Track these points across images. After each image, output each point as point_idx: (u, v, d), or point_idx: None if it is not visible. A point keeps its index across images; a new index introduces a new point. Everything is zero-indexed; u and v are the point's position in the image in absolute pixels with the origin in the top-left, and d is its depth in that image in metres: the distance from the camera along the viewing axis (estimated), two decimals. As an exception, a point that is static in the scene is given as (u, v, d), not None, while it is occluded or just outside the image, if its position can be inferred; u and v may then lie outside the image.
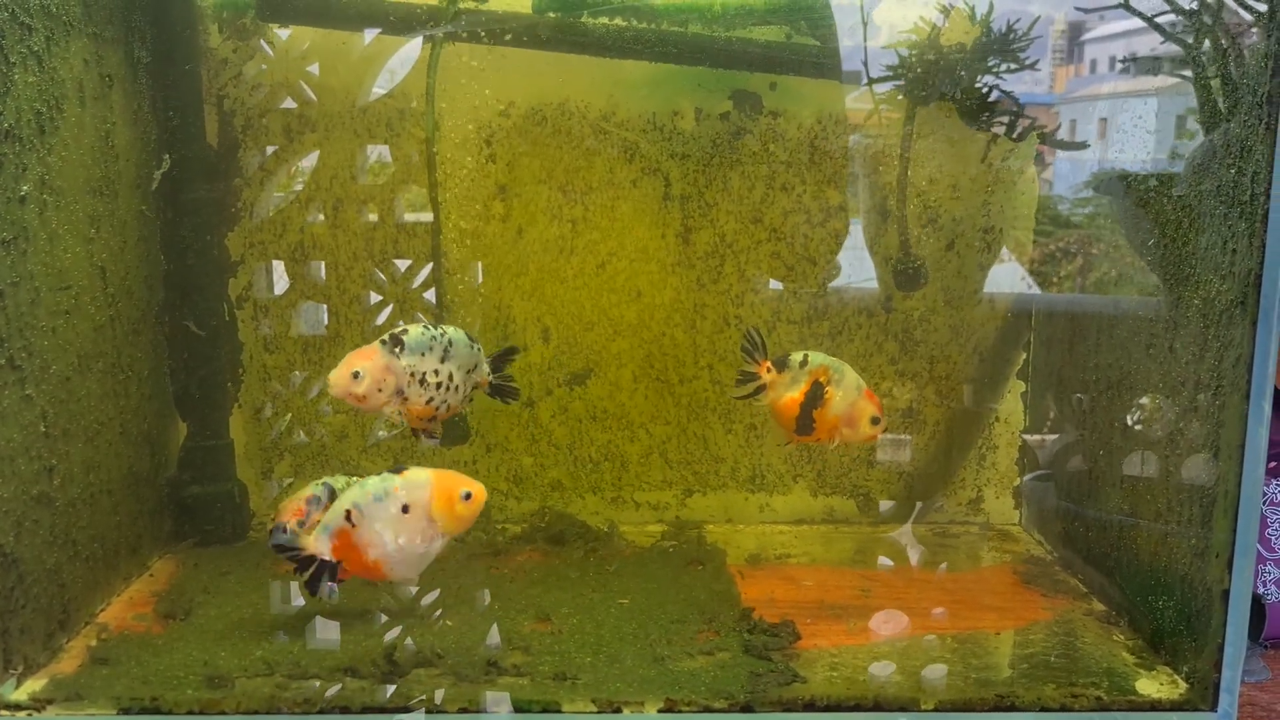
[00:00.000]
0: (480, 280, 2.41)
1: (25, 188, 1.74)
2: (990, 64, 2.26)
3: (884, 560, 2.36)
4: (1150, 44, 2.10)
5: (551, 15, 2.25)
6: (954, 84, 2.26)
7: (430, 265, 2.38)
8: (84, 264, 1.94)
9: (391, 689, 1.72)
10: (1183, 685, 1.79)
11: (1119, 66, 2.28)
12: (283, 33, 2.30)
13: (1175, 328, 1.87)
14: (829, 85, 2.34)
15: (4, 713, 1.66)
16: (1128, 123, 2.22)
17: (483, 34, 2.23)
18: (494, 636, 1.91)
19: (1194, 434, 1.80)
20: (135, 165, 2.15)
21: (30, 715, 1.66)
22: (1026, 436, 2.53)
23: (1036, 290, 2.49)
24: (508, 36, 2.23)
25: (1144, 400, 1.99)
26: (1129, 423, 2.05)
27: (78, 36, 1.91)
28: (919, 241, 2.40)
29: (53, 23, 1.82)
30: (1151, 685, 1.79)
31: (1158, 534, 1.92)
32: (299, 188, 2.36)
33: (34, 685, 1.72)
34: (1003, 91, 2.26)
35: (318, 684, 1.73)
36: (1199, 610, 1.77)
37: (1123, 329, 2.07)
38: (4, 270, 1.69)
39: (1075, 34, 2.42)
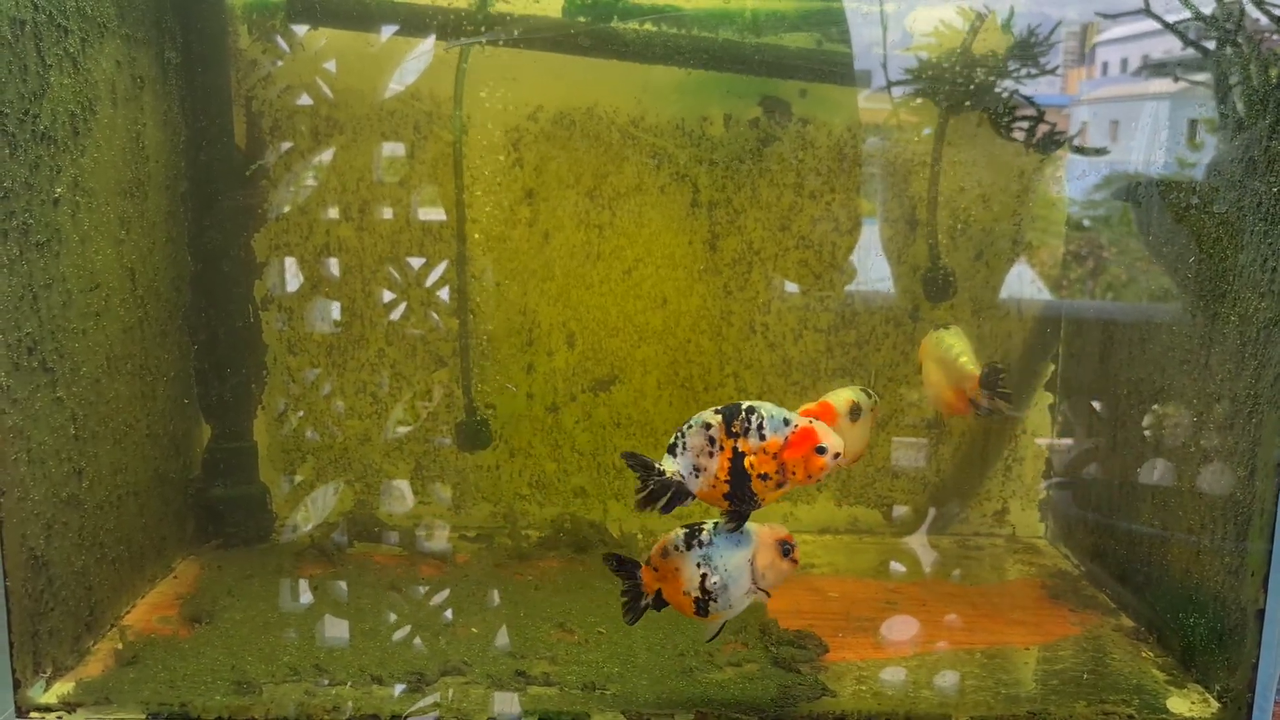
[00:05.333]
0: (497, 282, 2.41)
1: (59, 189, 1.74)
2: (1020, 70, 2.25)
3: (895, 566, 2.35)
4: (1162, 48, 2.08)
5: (581, 20, 2.25)
6: (986, 92, 2.25)
7: (445, 263, 2.38)
8: (114, 266, 1.94)
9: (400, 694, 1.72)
10: (1214, 704, 1.77)
11: (1132, 70, 2.26)
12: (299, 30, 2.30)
13: (1210, 343, 1.85)
14: (859, 93, 2.33)
15: (34, 715, 1.66)
16: (1147, 127, 2.21)
17: (513, 38, 2.23)
18: (502, 638, 1.92)
19: (1229, 450, 1.79)
20: (164, 167, 2.15)
21: (60, 718, 1.66)
22: (1039, 441, 2.52)
23: (1048, 295, 2.47)
24: (520, 40, 2.22)
25: (1178, 415, 1.97)
26: (1161, 437, 2.03)
27: (111, 38, 1.91)
28: (948, 251, 2.38)
29: (88, 25, 1.82)
30: (1183, 704, 1.78)
31: (1189, 550, 1.90)
32: (311, 182, 2.35)
33: (62, 688, 1.72)
34: (1024, 97, 2.25)
35: (346, 689, 1.73)
36: (1232, 628, 1.76)
37: (1156, 343, 2.06)
38: (37, 272, 1.69)
39: (1086, 36, 2.41)
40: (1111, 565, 2.22)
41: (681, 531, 1.60)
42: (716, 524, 1.60)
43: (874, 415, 1.90)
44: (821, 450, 1.49)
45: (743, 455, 1.51)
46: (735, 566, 1.59)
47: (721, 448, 1.51)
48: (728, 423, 1.51)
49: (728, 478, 1.52)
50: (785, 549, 1.61)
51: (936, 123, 2.32)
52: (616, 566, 1.63)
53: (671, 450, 1.54)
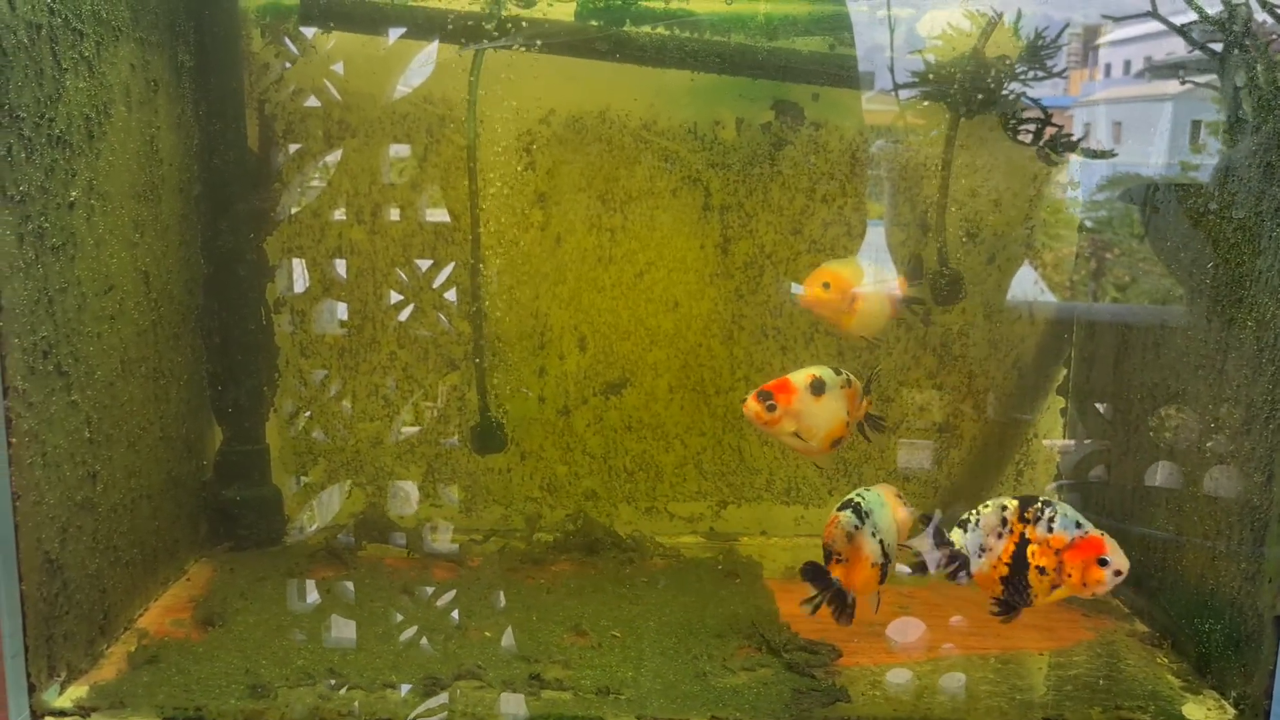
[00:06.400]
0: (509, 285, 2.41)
1: (74, 193, 1.74)
2: (1028, 74, 2.24)
3: (902, 569, 2.34)
4: (1165, 49, 2.07)
5: (594, 24, 2.24)
6: (998, 94, 2.24)
7: (452, 265, 2.38)
8: (128, 269, 1.94)
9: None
10: (1231, 711, 1.77)
11: (1135, 72, 2.26)
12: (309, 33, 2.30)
13: (1227, 348, 1.85)
14: (872, 97, 2.33)
15: (49, 719, 1.66)
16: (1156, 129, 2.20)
17: (526, 41, 2.22)
18: (508, 638, 1.93)
19: (1246, 455, 1.78)
20: (178, 170, 2.15)
21: (74, 722, 1.67)
22: (1046, 442, 2.51)
23: (1051, 296, 2.47)
24: (536, 43, 2.21)
25: (1193, 419, 1.97)
26: (1176, 441, 2.03)
27: (125, 42, 1.91)
28: (957, 254, 2.37)
29: (102, 29, 1.83)
30: (1199, 710, 1.77)
31: (1205, 556, 1.90)
32: (316, 183, 2.36)
33: (77, 692, 1.72)
34: (1031, 99, 2.24)
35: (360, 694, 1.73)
36: (1249, 635, 1.75)
37: (1171, 347, 2.05)
38: (53, 276, 1.69)
39: (1090, 37, 2.41)
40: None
41: (847, 513, 1.63)
42: (860, 493, 1.66)
43: (851, 396, 1.86)
44: (1104, 563, 1.52)
45: (1028, 543, 1.54)
46: (890, 523, 1.68)
47: (1011, 531, 1.56)
48: (1022, 508, 1.56)
49: (1009, 561, 1.55)
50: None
51: (946, 126, 2.31)
52: (814, 576, 1.62)
53: (963, 525, 1.58)
